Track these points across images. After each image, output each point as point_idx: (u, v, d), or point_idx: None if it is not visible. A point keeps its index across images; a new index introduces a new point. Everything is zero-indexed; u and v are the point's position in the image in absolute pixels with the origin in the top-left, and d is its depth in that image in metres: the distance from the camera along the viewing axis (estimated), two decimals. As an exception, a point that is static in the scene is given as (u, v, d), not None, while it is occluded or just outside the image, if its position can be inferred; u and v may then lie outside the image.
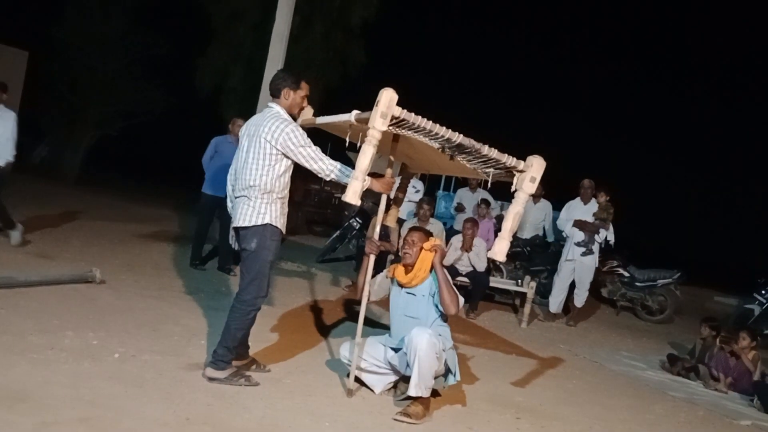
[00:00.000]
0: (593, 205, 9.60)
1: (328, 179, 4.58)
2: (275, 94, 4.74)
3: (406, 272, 5.01)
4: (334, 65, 17.88)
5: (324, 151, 4.59)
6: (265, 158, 4.52)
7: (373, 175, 4.46)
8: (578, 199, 9.81)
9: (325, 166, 4.51)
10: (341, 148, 5.54)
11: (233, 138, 8.43)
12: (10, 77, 18.60)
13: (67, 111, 21.14)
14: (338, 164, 4.52)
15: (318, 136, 5.62)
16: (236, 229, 4.72)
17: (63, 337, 4.92)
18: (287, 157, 4.56)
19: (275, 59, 9.81)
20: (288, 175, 4.66)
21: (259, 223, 4.55)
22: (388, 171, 5.26)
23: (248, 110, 12.41)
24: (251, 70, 15.48)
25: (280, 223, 4.64)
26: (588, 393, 6.26)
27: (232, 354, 4.65)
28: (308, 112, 5.52)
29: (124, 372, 4.43)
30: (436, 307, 4.90)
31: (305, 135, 4.57)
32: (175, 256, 9.36)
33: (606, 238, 9.63)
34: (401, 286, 5.05)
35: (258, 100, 9.92)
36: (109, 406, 3.83)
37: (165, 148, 34.66)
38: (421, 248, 4.98)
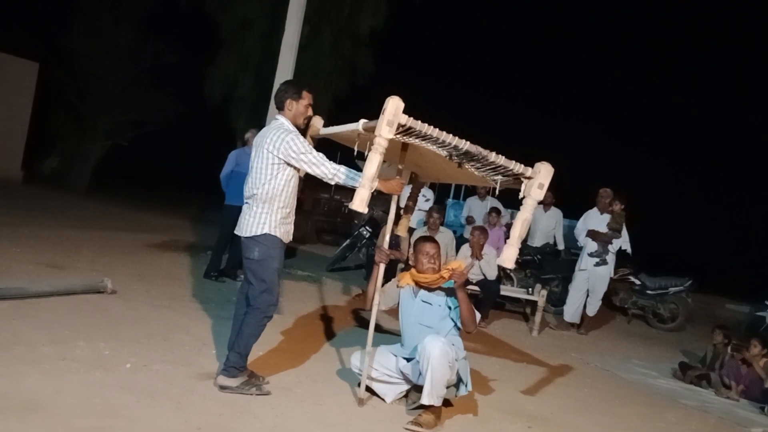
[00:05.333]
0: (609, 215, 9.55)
1: (333, 182, 4.62)
2: (280, 107, 4.85)
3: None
4: (342, 74, 17.98)
5: (333, 160, 4.61)
6: (267, 168, 4.61)
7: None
8: (595, 208, 9.77)
9: (327, 170, 4.57)
10: (351, 157, 5.56)
11: (252, 149, 8.41)
12: (20, 88, 18.88)
13: (78, 121, 21.26)
14: (342, 167, 4.58)
15: (327, 145, 5.65)
16: (239, 237, 4.80)
17: (74, 347, 4.93)
18: (290, 166, 4.62)
19: (284, 68, 9.83)
20: (292, 186, 4.71)
21: (258, 233, 4.62)
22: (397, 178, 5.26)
23: (257, 119, 12.48)
24: (260, 79, 15.56)
25: (281, 232, 4.68)
26: (599, 401, 6.24)
27: (243, 361, 4.68)
28: (318, 122, 5.55)
29: (135, 382, 4.44)
30: (452, 320, 4.91)
31: (306, 143, 4.64)
32: (186, 266, 9.39)
33: (621, 247, 9.57)
34: (420, 287, 5.04)
35: (267, 109, 9.93)
36: (121, 416, 3.84)
37: (175, 158, 34.76)
38: (440, 265, 4.99)
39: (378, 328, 6.38)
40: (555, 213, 11.37)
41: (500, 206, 11.17)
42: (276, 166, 4.59)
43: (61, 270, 7.64)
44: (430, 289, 5.01)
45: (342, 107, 17.59)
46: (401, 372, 4.89)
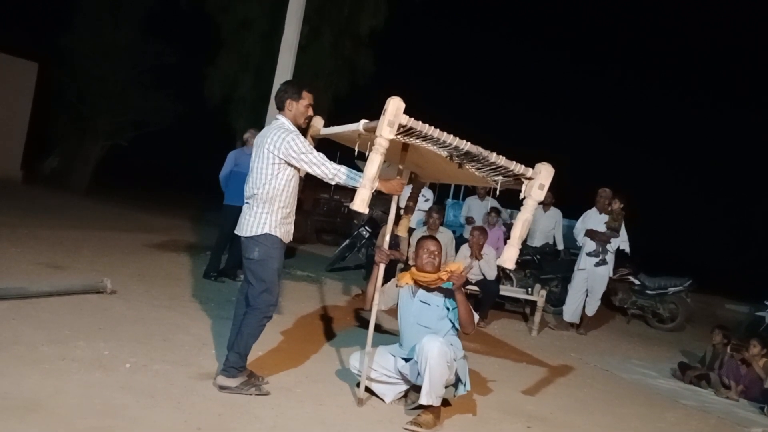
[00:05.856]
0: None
1: (333, 182, 4.63)
2: (280, 107, 4.85)
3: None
4: (342, 74, 17.99)
5: (333, 160, 4.62)
6: (267, 168, 4.61)
7: None
8: (594, 208, 9.76)
9: (328, 170, 4.58)
10: (351, 157, 5.57)
11: (251, 149, 8.40)
12: (20, 88, 18.87)
13: (78, 121, 21.20)
14: (342, 167, 4.59)
15: (327, 145, 5.65)
16: (239, 237, 4.82)
17: (74, 347, 4.93)
18: (291, 166, 4.63)
19: (284, 68, 9.83)
20: (292, 186, 4.71)
21: (258, 232, 4.63)
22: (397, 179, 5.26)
23: (257, 119, 12.48)
24: (260, 80, 15.58)
25: (281, 232, 4.69)
26: (599, 402, 6.24)
27: (243, 361, 4.68)
28: (319, 122, 5.56)
29: (135, 382, 4.45)
30: (451, 320, 4.91)
31: (306, 143, 4.65)
32: (186, 266, 9.39)
33: (619, 246, 9.56)
34: (419, 286, 5.05)
35: (267, 109, 9.94)
36: (121, 416, 3.84)
37: (175, 157, 34.80)
38: (440, 264, 5.00)
39: (378, 328, 6.38)
40: (554, 213, 11.38)
41: (500, 206, 11.18)
42: (276, 166, 4.60)
43: (61, 270, 7.64)
44: (428, 290, 5.01)
45: (342, 107, 17.62)
46: (400, 372, 4.89)
